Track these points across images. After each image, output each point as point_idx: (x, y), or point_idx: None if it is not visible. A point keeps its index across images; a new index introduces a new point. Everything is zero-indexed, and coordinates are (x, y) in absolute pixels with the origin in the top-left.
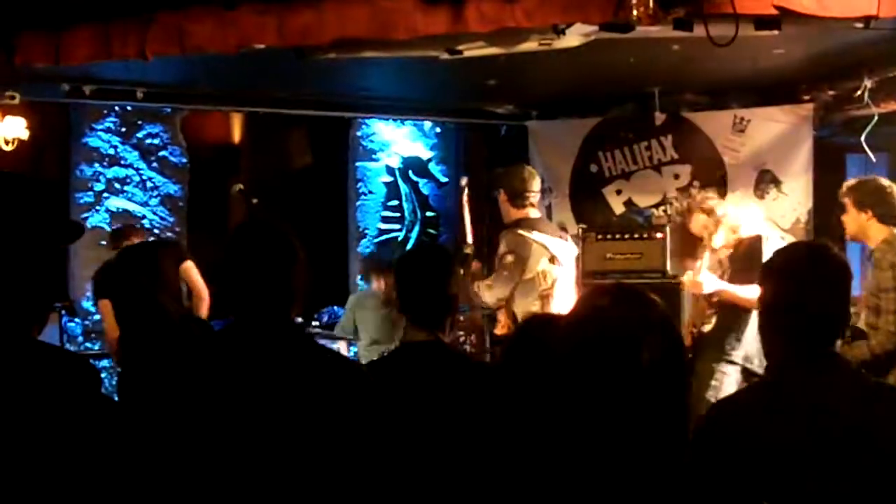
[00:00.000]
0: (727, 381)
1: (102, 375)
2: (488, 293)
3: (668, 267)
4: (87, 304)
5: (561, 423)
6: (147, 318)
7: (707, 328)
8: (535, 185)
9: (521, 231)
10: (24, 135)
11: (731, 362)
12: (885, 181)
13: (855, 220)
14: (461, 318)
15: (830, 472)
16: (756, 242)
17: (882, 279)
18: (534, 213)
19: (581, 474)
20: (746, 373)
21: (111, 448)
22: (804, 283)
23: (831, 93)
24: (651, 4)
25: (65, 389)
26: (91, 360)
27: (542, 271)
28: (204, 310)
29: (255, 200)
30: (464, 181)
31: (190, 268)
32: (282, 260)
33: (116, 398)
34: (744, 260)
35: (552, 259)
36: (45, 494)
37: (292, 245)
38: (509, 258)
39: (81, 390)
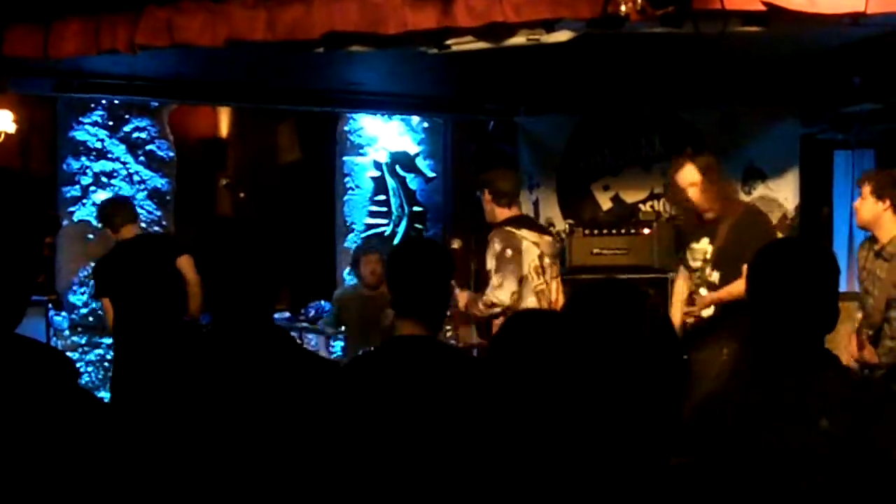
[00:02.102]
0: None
1: (89, 369)
2: (500, 292)
3: (656, 262)
4: (74, 298)
5: (556, 417)
6: (144, 316)
7: (707, 312)
8: (519, 183)
9: (509, 228)
10: (11, 128)
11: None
12: None
13: (871, 209)
14: (449, 312)
15: (813, 469)
16: (755, 217)
17: None
18: (518, 211)
19: (574, 468)
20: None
21: (86, 442)
22: (792, 279)
23: (819, 90)
24: (640, 0)
25: (40, 382)
26: (79, 354)
27: (535, 267)
28: (195, 305)
29: (242, 194)
30: (456, 244)
31: (186, 262)
32: (252, 256)
33: (109, 392)
34: (741, 236)
35: (542, 255)
36: (18, 487)
37: (262, 240)
38: (508, 252)
39: (57, 383)
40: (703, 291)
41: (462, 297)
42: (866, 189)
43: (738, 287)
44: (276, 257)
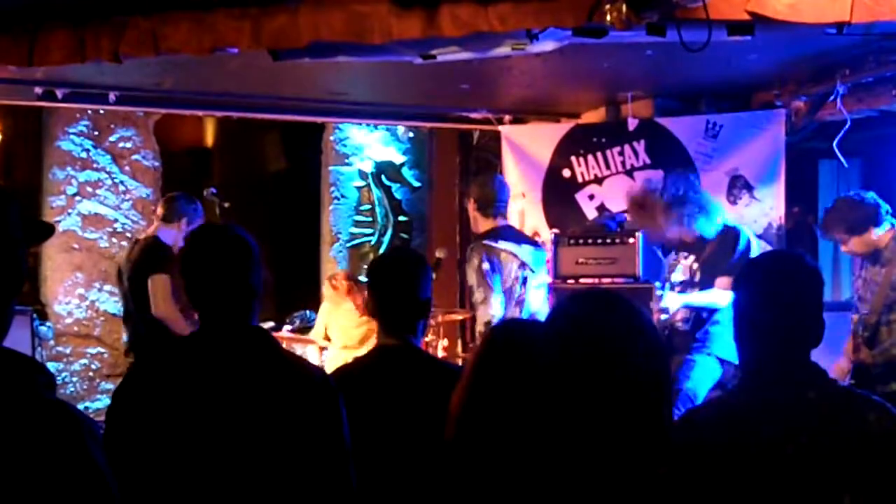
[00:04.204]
0: (700, 371)
1: (74, 379)
2: (490, 307)
3: (641, 272)
4: (59, 308)
5: (542, 427)
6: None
7: (682, 326)
8: (505, 194)
9: (486, 242)
10: None
11: (707, 353)
12: (855, 197)
13: (861, 244)
14: (433, 322)
15: (797, 481)
16: (728, 235)
17: None
18: (502, 222)
19: (563, 477)
20: (722, 362)
21: (59, 453)
22: (778, 292)
23: (804, 98)
24: (624, 9)
25: (12, 391)
26: (64, 364)
27: (515, 278)
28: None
29: (227, 204)
30: (440, 253)
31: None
32: (238, 259)
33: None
34: (714, 254)
35: (522, 265)
36: None
37: (247, 244)
38: (486, 265)
39: (29, 392)
40: (668, 295)
41: None
42: (843, 235)
43: (710, 296)
44: (258, 259)
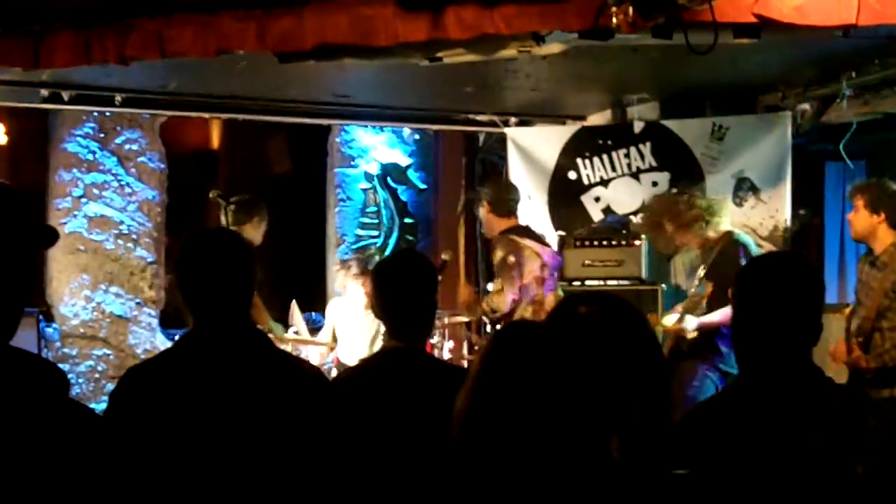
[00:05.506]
0: (708, 383)
1: (80, 381)
2: (499, 298)
3: (645, 274)
4: (65, 310)
5: (546, 429)
6: None
7: (691, 335)
8: (516, 193)
9: (513, 237)
10: (3, 140)
11: (713, 365)
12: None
13: (865, 221)
14: (439, 324)
15: (795, 480)
16: (730, 249)
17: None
18: (517, 220)
19: (567, 478)
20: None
21: (77, 451)
22: (776, 292)
23: (810, 101)
24: (630, 12)
25: (31, 393)
26: (70, 366)
27: (536, 277)
28: None
29: (232, 206)
30: (445, 255)
31: None
32: (235, 262)
33: None
34: (722, 272)
35: (543, 266)
36: (10, 496)
37: (244, 246)
38: (511, 259)
39: (48, 394)
40: (688, 317)
41: (464, 291)
42: (859, 202)
43: (724, 315)
44: (252, 262)
